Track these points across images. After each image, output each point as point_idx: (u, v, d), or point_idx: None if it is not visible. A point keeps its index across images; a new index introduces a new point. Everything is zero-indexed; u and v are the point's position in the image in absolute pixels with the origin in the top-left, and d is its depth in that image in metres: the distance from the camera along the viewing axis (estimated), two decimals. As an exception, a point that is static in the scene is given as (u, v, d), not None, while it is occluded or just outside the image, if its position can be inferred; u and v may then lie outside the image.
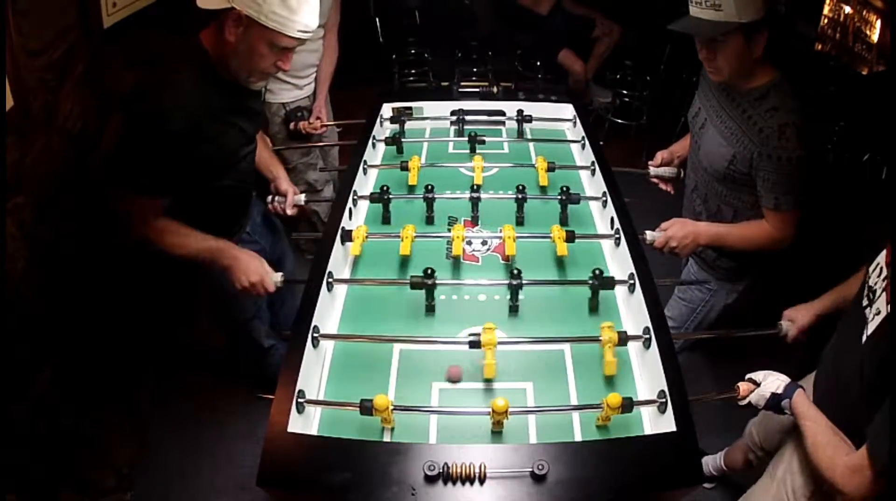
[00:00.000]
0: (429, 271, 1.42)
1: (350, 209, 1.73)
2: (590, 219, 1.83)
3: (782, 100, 1.47)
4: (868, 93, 2.71)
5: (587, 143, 2.03)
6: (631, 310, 1.47)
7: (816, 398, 1.24)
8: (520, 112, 2.17)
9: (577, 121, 2.22)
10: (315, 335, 1.32)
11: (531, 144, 2.16)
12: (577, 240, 1.59)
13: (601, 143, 2.05)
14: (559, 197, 1.75)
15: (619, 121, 3.78)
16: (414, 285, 1.43)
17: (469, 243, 1.70)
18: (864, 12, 2.67)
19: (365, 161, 1.94)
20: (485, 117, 2.25)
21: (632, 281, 1.47)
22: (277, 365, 1.97)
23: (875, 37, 2.63)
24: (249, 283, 1.53)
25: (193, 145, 1.39)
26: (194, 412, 2.27)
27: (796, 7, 3.11)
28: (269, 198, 1.90)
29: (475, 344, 1.27)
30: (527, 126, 2.19)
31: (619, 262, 1.59)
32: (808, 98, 1.56)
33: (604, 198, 1.76)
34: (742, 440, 1.76)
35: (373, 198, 1.77)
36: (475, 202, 1.76)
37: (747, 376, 1.27)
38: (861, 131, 2.77)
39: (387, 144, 2.11)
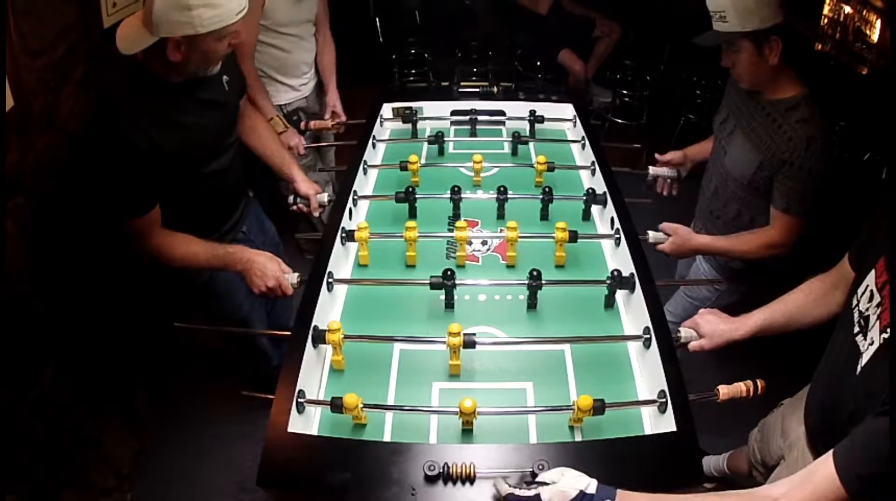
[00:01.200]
0: (448, 273, 1.43)
1: (350, 209, 1.73)
2: (590, 219, 1.82)
3: (812, 113, 1.53)
4: (868, 93, 2.71)
5: (587, 143, 2.04)
6: (631, 310, 1.48)
7: (813, 421, 1.21)
8: (532, 113, 2.17)
9: (578, 121, 2.22)
10: (315, 335, 1.32)
11: (531, 144, 2.16)
12: (576, 240, 1.59)
13: (601, 143, 2.06)
14: (583, 197, 1.77)
15: (619, 121, 3.78)
16: (433, 286, 1.44)
17: (469, 242, 1.70)
18: (864, 12, 2.67)
19: (365, 161, 1.94)
20: (487, 117, 2.25)
21: (632, 282, 1.47)
22: (276, 368, 1.97)
23: (875, 37, 2.64)
24: (267, 287, 1.51)
25: (154, 154, 1.40)
26: (194, 413, 2.27)
27: (796, 7, 3.11)
28: (291, 199, 1.88)
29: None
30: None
31: (619, 262, 1.59)
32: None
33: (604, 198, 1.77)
34: (746, 448, 1.75)
35: (398, 198, 1.76)
36: (502, 203, 1.77)
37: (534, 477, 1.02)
38: (861, 131, 2.77)
39: (429, 143, 2.10)
